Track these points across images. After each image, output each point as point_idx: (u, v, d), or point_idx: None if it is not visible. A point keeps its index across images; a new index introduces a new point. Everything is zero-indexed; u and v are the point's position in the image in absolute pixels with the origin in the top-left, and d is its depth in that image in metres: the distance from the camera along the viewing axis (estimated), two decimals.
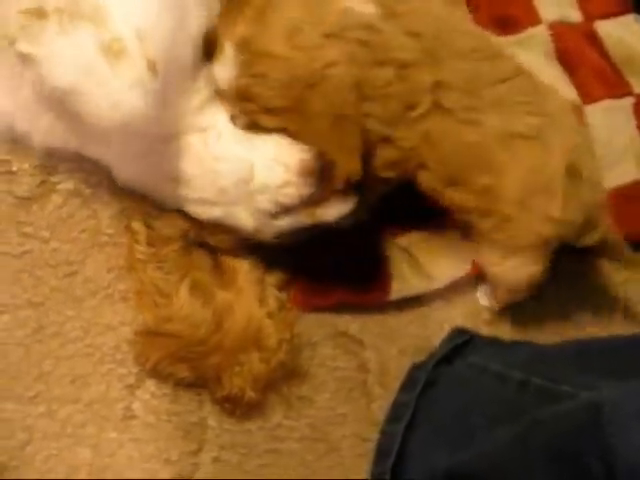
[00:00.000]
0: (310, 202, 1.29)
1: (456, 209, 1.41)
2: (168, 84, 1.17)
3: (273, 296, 1.44)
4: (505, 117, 1.36)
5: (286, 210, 1.30)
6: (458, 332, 1.52)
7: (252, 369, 1.38)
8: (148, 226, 1.38)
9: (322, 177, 1.27)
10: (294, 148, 1.27)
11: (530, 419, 1.13)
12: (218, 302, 1.39)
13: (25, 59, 1.15)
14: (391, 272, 1.54)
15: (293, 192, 1.27)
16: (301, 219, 1.31)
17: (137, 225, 1.39)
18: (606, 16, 1.81)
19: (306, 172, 1.26)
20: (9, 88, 1.25)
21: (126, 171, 1.33)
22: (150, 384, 1.40)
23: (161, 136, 1.26)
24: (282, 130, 1.27)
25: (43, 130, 1.27)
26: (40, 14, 1.12)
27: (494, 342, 1.51)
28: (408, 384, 1.45)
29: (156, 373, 1.39)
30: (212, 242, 1.40)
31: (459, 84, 1.34)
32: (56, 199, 1.39)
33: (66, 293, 1.38)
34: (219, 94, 1.29)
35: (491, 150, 1.35)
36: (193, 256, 1.41)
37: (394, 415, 1.45)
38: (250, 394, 1.39)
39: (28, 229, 1.37)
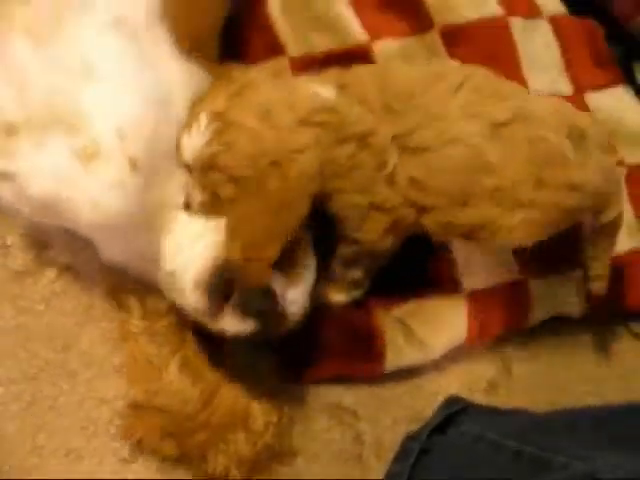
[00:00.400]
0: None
1: (479, 231, 1.36)
2: (151, 173, 1.20)
3: None
4: (478, 114, 1.35)
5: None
6: (452, 401, 1.51)
7: (238, 449, 1.38)
8: (141, 300, 1.39)
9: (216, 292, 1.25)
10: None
11: None
12: (207, 380, 1.39)
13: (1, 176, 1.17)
14: (385, 343, 1.53)
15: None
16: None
17: (130, 299, 1.40)
18: (596, 88, 1.83)
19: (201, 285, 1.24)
20: None
21: (110, 254, 1.33)
22: (144, 458, 1.40)
23: (143, 223, 1.25)
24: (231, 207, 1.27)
25: (30, 207, 1.27)
26: (9, 131, 1.14)
27: (489, 411, 1.50)
28: (401, 454, 1.44)
29: (142, 448, 1.39)
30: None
31: (419, 120, 1.33)
32: (50, 273, 1.41)
33: (60, 366, 1.40)
34: (184, 166, 1.28)
35: (481, 151, 1.33)
36: (186, 331, 1.41)
37: None
38: (234, 473, 1.38)
39: (23, 303, 1.39)
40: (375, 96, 1.34)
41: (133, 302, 1.39)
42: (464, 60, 1.64)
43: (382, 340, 1.53)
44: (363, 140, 1.31)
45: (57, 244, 1.42)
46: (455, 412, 1.46)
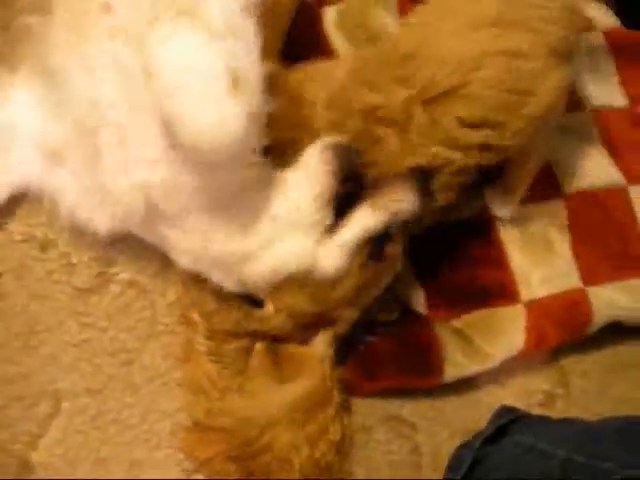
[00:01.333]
0: None
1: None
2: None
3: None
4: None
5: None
6: (504, 411, 1.52)
7: (302, 469, 1.38)
8: (208, 321, 1.42)
9: None
10: None
11: None
12: (270, 404, 1.39)
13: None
14: (444, 356, 1.54)
15: None
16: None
17: (196, 316, 1.42)
18: None
19: None
20: (79, 177, 1.33)
21: (186, 248, 1.35)
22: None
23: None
24: None
25: (108, 215, 1.32)
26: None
27: (541, 420, 1.51)
28: (455, 464, 1.46)
29: (206, 470, 1.40)
30: (268, 329, 1.41)
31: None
32: (114, 290, 1.45)
33: (124, 380, 1.43)
34: None
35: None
36: (253, 354, 1.43)
37: None
38: None
39: (87, 319, 1.43)
40: (381, 75, 1.41)
41: (200, 321, 1.42)
42: None
43: (441, 353, 1.54)
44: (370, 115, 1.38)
45: (122, 260, 1.46)
46: (507, 422, 1.47)
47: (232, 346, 1.41)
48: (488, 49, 1.40)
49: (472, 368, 1.56)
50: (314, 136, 1.37)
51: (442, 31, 1.44)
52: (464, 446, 1.47)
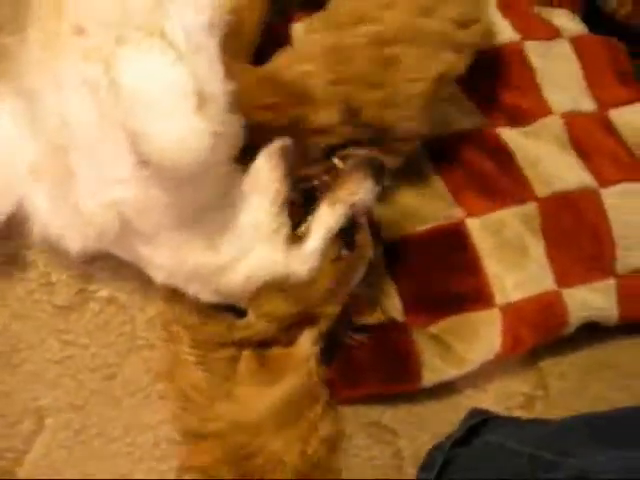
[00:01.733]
0: None
1: None
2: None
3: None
4: None
5: None
6: (475, 413, 1.54)
7: (295, 467, 1.40)
8: (193, 331, 1.44)
9: None
10: None
11: None
12: (260, 408, 1.41)
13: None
14: (422, 362, 1.56)
15: None
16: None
17: (179, 329, 1.44)
18: (620, 104, 1.86)
19: None
20: (52, 196, 1.34)
21: (161, 264, 1.37)
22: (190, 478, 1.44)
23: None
24: None
25: (80, 235, 1.33)
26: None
27: (512, 421, 1.54)
28: (427, 465, 1.48)
29: (201, 474, 1.42)
30: (252, 335, 1.43)
31: None
32: (93, 307, 1.47)
33: (106, 395, 1.45)
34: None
35: None
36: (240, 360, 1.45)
37: None
38: None
39: (68, 336, 1.45)
40: None
41: (183, 332, 1.44)
42: (482, 83, 1.75)
43: (419, 359, 1.56)
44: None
45: (100, 278, 1.48)
46: (479, 423, 1.50)
47: (219, 355, 1.43)
48: None
49: (450, 372, 1.58)
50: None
51: None
52: (436, 448, 1.50)
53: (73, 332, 1.45)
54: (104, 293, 1.48)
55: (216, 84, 1.22)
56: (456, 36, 1.52)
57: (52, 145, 1.32)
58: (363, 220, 1.42)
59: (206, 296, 1.40)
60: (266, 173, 1.37)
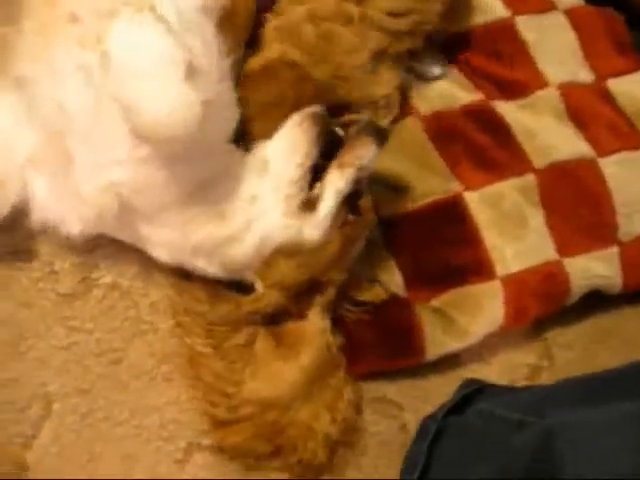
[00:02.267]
0: None
1: None
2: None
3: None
4: None
5: None
6: (468, 383, 1.56)
7: (325, 432, 1.45)
8: (202, 319, 1.46)
9: None
10: None
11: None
12: (285, 382, 1.44)
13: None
14: (425, 336, 1.57)
15: None
16: None
17: (186, 319, 1.47)
18: (618, 74, 1.87)
19: None
20: (51, 181, 1.37)
21: (165, 241, 1.40)
22: (198, 457, 1.47)
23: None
24: None
25: (80, 218, 1.36)
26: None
27: (506, 389, 1.55)
28: (421, 434, 1.49)
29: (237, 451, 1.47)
30: (262, 308, 1.45)
31: None
32: (97, 293, 1.49)
33: (112, 379, 1.47)
34: None
35: None
36: (255, 343, 1.47)
37: (409, 463, 1.49)
38: (321, 456, 1.45)
39: (73, 322, 1.47)
40: None
41: (194, 322, 1.46)
42: (476, 60, 1.76)
43: (421, 333, 1.58)
44: None
45: (103, 265, 1.50)
46: (473, 392, 1.51)
47: (234, 340, 1.46)
48: None
49: (453, 345, 1.59)
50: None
51: None
52: (430, 417, 1.51)
53: (78, 319, 1.47)
54: (107, 279, 1.50)
55: (208, 59, 1.24)
56: (384, 22, 1.55)
57: (49, 131, 1.35)
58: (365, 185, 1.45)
59: (214, 270, 1.42)
60: (297, 135, 1.40)
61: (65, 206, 1.36)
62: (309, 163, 1.39)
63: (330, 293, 1.47)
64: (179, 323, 1.49)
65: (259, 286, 1.43)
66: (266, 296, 1.43)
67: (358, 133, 1.41)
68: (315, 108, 1.42)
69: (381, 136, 1.42)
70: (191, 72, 1.17)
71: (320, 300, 1.47)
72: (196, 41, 1.23)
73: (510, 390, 1.54)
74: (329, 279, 1.46)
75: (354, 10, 1.51)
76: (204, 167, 1.33)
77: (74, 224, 1.37)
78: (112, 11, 1.22)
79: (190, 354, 1.47)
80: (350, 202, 1.42)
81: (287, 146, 1.40)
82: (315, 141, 1.39)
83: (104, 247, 1.49)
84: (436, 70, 1.73)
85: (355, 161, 1.40)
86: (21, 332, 1.45)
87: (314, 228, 1.38)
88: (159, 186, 1.31)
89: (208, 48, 1.26)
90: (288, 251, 1.39)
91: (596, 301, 1.70)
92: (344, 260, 1.45)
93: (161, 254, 1.42)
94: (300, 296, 1.45)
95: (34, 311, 1.46)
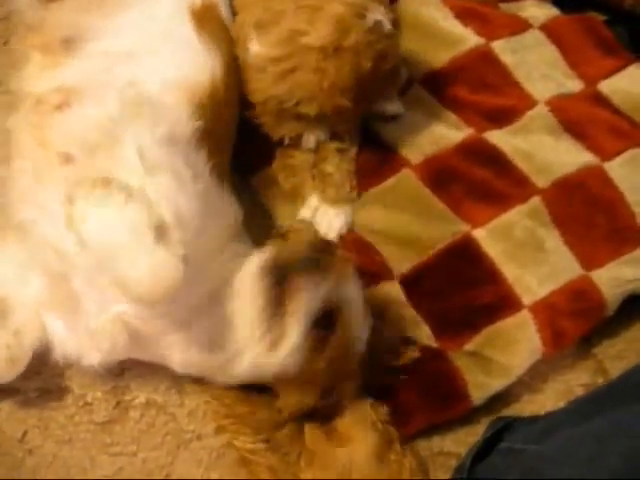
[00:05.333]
0: None
1: None
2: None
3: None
4: None
5: None
6: (494, 422, 1.52)
7: None
8: (249, 416, 1.47)
9: None
10: None
11: None
12: (340, 463, 1.44)
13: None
14: (466, 382, 1.55)
15: None
16: None
17: (229, 422, 1.48)
18: (608, 75, 1.86)
19: None
20: (64, 317, 1.41)
21: (176, 359, 1.42)
22: None
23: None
24: None
25: (96, 349, 1.38)
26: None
27: (528, 420, 1.51)
28: None
29: None
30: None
31: None
32: (134, 414, 1.50)
33: None
34: None
35: None
36: (305, 429, 1.47)
37: None
38: None
39: (115, 448, 1.48)
40: None
41: (236, 423, 1.47)
42: (459, 93, 1.77)
43: (462, 380, 1.56)
44: None
45: (134, 386, 1.52)
46: (498, 431, 1.48)
47: (281, 434, 1.46)
48: None
49: (497, 384, 1.57)
50: None
51: None
52: (457, 468, 1.49)
53: (120, 443, 1.48)
54: (141, 399, 1.51)
55: (184, 197, 1.27)
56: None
57: (53, 274, 1.38)
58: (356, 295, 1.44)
59: (226, 381, 1.45)
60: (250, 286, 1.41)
61: (81, 340, 1.39)
62: (265, 314, 1.38)
63: (357, 377, 1.47)
64: (223, 427, 1.49)
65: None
66: (289, 406, 1.45)
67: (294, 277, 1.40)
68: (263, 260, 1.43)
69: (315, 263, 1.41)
70: (160, 233, 1.20)
71: (350, 386, 1.47)
72: (164, 181, 1.26)
73: (529, 420, 1.51)
74: (348, 370, 1.45)
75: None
76: (197, 291, 1.37)
77: (93, 356, 1.39)
78: (67, 192, 1.24)
79: (240, 454, 1.47)
80: (323, 322, 1.40)
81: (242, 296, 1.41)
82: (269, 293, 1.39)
83: (131, 368, 1.51)
84: (391, 108, 1.71)
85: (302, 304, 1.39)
86: (67, 470, 1.46)
87: (288, 359, 1.38)
88: (157, 315, 1.35)
89: (181, 183, 1.28)
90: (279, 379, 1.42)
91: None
92: (346, 362, 1.44)
93: (182, 370, 1.45)
94: (327, 389, 1.44)
95: (76, 446, 1.48)
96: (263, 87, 1.58)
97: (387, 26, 1.57)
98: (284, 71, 1.55)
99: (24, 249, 1.42)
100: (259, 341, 1.37)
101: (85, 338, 1.39)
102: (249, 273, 1.40)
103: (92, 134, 1.30)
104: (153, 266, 1.19)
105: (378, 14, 1.56)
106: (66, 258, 1.33)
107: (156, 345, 1.40)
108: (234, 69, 1.59)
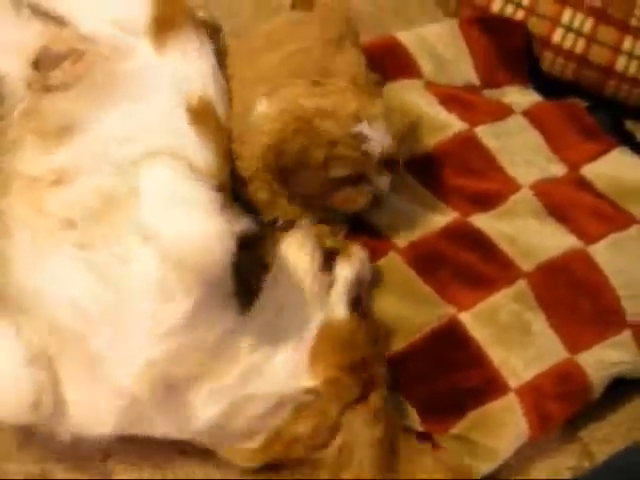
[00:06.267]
0: None
1: None
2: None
3: None
4: None
5: None
6: None
7: None
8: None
9: None
10: None
11: None
12: None
13: None
14: (451, 465, 1.54)
15: None
16: None
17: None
18: (590, 159, 1.90)
19: None
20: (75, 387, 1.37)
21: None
22: None
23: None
24: None
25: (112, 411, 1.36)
26: None
27: None
28: None
29: None
30: None
31: None
32: None
33: None
34: None
35: None
36: None
37: None
38: None
39: None
40: None
41: None
42: (444, 177, 1.79)
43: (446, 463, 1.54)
44: None
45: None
46: None
47: None
48: None
49: (485, 468, 1.55)
50: None
51: None
52: None
53: None
54: None
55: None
56: None
57: (66, 337, 1.35)
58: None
59: None
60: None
61: (97, 403, 1.36)
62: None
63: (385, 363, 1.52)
64: None
65: None
66: None
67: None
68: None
69: None
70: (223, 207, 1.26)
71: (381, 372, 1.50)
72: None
73: None
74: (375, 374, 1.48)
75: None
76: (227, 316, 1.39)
77: (106, 423, 1.36)
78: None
79: None
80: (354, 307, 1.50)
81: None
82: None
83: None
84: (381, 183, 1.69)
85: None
86: None
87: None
88: (191, 347, 1.34)
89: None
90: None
91: (627, 387, 1.67)
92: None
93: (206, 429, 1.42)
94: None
95: None
96: None
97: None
98: None
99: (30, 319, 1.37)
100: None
101: (96, 400, 1.36)
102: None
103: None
104: (212, 230, 1.23)
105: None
106: (84, 316, 1.32)
107: (185, 395, 1.38)
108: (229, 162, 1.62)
